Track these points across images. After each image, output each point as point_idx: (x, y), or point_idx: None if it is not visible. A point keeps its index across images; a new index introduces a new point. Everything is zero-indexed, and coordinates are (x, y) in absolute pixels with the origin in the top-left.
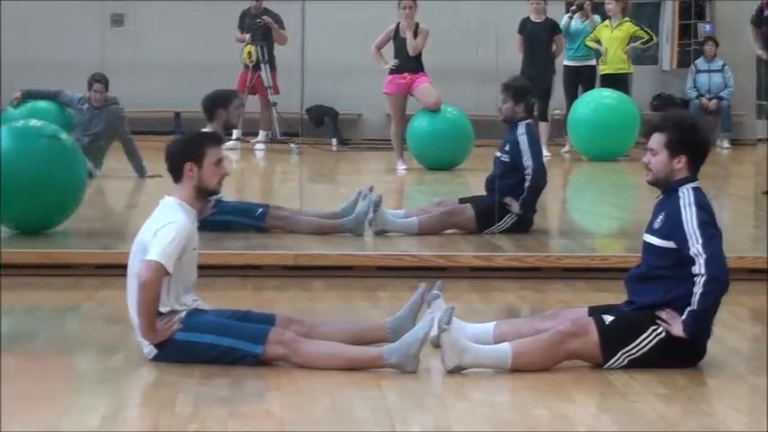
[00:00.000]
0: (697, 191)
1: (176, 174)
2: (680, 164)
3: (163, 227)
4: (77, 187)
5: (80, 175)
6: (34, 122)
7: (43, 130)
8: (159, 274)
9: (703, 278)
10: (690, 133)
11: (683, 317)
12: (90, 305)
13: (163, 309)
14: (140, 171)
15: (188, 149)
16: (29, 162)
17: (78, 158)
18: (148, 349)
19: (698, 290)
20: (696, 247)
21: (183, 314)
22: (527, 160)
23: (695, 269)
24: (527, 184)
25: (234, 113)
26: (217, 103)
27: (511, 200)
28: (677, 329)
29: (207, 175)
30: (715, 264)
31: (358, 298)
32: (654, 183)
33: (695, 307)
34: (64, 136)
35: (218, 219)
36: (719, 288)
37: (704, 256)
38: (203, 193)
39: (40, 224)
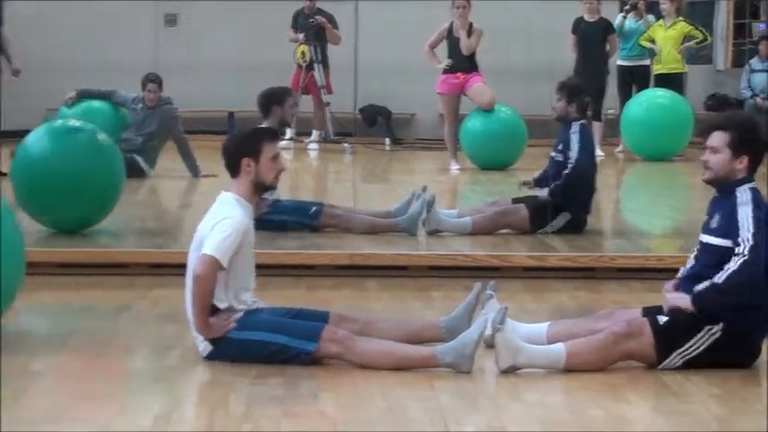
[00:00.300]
0: (755, 191)
1: (233, 169)
2: (741, 164)
3: (219, 222)
4: (115, 186)
5: (117, 175)
6: (73, 122)
7: (81, 130)
8: (213, 268)
9: (742, 258)
10: (753, 134)
11: (701, 287)
12: (144, 304)
13: (220, 305)
14: (194, 170)
15: (245, 145)
16: (67, 161)
17: (116, 158)
18: (203, 346)
19: (731, 266)
20: (746, 234)
21: (240, 313)
22: (573, 153)
23: (737, 250)
24: (558, 182)
25: (289, 111)
26: (272, 99)
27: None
28: (684, 302)
29: (264, 170)
30: (758, 253)
31: (411, 298)
32: (711, 181)
33: (719, 281)
34: (102, 136)
35: (272, 218)
36: (752, 274)
37: (751, 242)
38: (260, 188)
39: (78, 223)
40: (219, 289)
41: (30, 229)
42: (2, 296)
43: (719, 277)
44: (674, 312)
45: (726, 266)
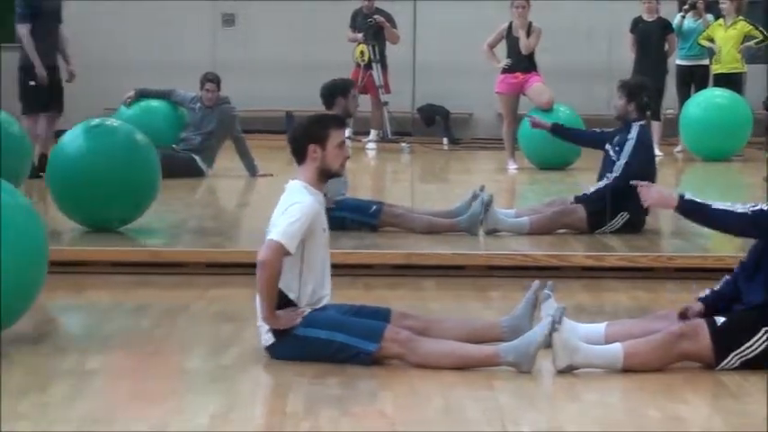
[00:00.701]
0: None
1: (300, 156)
2: None
3: (288, 207)
4: (151, 185)
5: (153, 173)
6: (110, 121)
7: (117, 129)
8: (279, 254)
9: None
10: None
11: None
12: (200, 304)
13: (290, 294)
14: (252, 170)
15: (312, 131)
16: (102, 160)
17: (152, 156)
18: (267, 337)
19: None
20: None
21: (307, 310)
22: (621, 159)
23: None
24: (607, 181)
25: (352, 102)
26: (336, 91)
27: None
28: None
29: (330, 157)
30: None
31: (469, 297)
32: None
33: (719, 207)
34: (138, 135)
35: (333, 215)
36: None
37: None
38: (326, 175)
39: (113, 222)
40: (292, 278)
41: (76, 227)
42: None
43: (727, 206)
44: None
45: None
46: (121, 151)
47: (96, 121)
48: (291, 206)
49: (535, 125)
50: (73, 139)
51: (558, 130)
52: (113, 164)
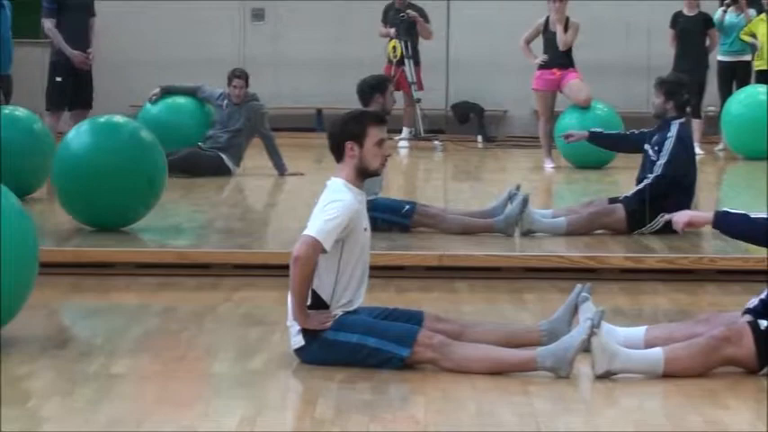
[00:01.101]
0: None
1: (337, 153)
2: None
3: (327, 204)
4: (156, 184)
5: (159, 172)
6: (117, 118)
7: (123, 126)
8: (314, 250)
9: None
10: None
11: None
12: (228, 306)
13: (323, 294)
14: (281, 169)
15: (349, 128)
16: (106, 158)
17: (158, 155)
18: (297, 339)
19: None
20: None
21: (339, 312)
22: (660, 158)
23: None
24: (647, 181)
25: (389, 99)
26: (375, 87)
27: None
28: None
29: (368, 156)
30: None
31: (504, 300)
32: None
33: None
34: (144, 132)
35: None
36: None
37: None
38: (364, 174)
39: (117, 221)
40: (327, 278)
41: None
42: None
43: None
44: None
45: None
46: (126, 149)
47: (102, 117)
48: (331, 203)
49: (571, 139)
50: (76, 136)
51: (595, 138)
52: (117, 161)
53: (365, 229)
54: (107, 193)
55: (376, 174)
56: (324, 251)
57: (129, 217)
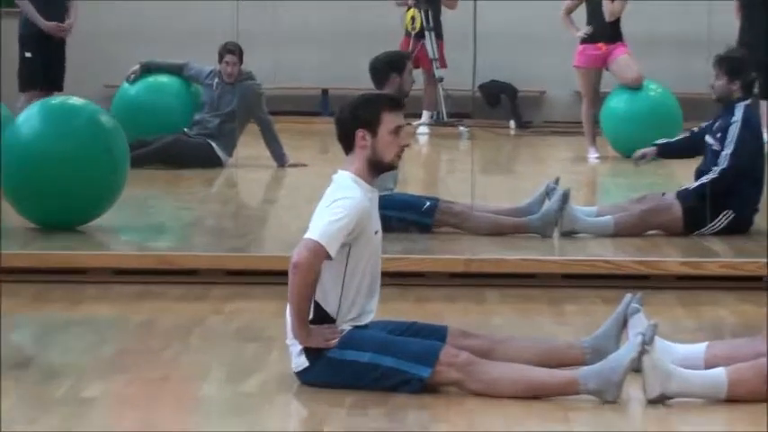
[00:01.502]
0: None
1: (347, 142)
2: None
3: (332, 203)
4: (117, 177)
5: (120, 164)
6: (73, 101)
7: (80, 110)
8: (317, 256)
9: None
10: None
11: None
12: (218, 319)
13: (327, 308)
14: (280, 159)
15: (361, 113)
16: (59, 146)
17: (120, 143)
18: (299, 361)
19: None
20: None
21: (346, 328)
22: (725, 148)
23: None
24: (711, 175)
25: (407, 79)
26: (392, 66)
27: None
28: None
29: (382, 146)
30: None
31: (541, 312)
32: None
33: None
34: (105, 117)
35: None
36: None
37: None
38: (378, 168)
39: (71, 218)
40: (332, 289)
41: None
42: None
43: None
44: None
45: None
46: (82, 136)
47: (56, 99)
48: (336, 201)
49: (644, 160)
50: (25, 121)
51: (666, 151)
52: (72, 150)
53: (376, 233)
54: (58, 188)
55: (391, 167)
56: (328, 257)
57: (82, 215)
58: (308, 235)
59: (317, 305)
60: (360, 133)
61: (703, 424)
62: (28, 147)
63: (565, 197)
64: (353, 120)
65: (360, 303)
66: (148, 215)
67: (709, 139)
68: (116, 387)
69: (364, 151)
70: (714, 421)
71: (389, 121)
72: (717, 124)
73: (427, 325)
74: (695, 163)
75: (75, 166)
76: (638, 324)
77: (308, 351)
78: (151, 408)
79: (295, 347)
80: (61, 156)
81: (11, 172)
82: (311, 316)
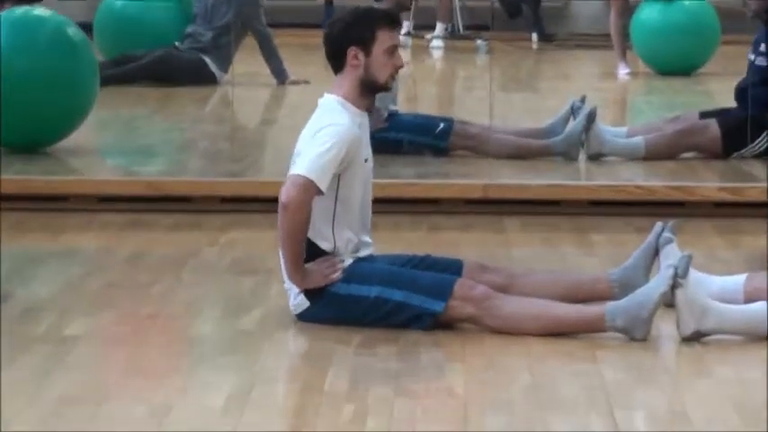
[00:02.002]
0: None
1: (337, 61)
2: None
3: (318, 131)
4: (84, 96)
5: (89, 81)
6: (38, 11)
7: (46, 21)
8: (307, 193)
9: None
10: None
11: None
12: (213, 251)
13: (323, 244)
14: (280, 75)
15: (353, 30)
16: (24, 61)
17: (89, 59)
18: (297, 301)
19: None
20: None
21: (348, 261)
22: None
23: None
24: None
25: None
26: None
27: None
28: None
29: (376, 65)
30: None
31: (566, 242)
32: None
33: None
34: (72, 30)
35: (387, 136)
36: None
37: None
38: (370, 89)
39: (32, 141)
40: (324, 223)
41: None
42: None
43: None
44: None
45: None
46: (48, 49)
47: (21, 9)
48: (323, 130)
49: None
50: None
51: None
52: (36, 65)
53: (366, 161)
54: (19, 105)
55: (384, 88)
56: (319, 192)
57: (46, 135)
58: (294, 170)
59: (310, 243)
60: (352, 51)
61: (742, 364)
62: None
63: (591, 116)
64: (345, 37)
65: (354, 236)
66: (136, 137)
67: (750, 55)
68: (101, 325)
69: (356, 71)
70: (754, 361)
71: (385, 39)
72: (756, 37)
73: (441, 258)
74: (735, 80)
75: (36, 83)
76: (671, 255)
77: (307, 290)
78: (139, 348)
79: (293, 289)
80: (22, 71)
81: None
82: (305, 256)
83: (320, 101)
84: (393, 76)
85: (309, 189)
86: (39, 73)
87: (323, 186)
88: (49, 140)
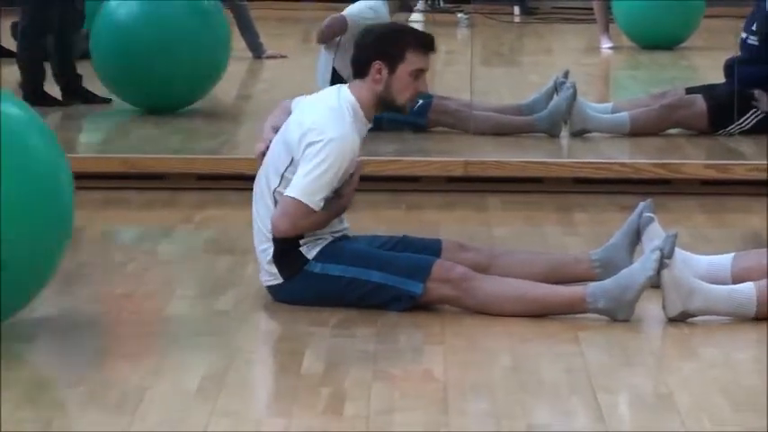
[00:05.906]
0: None
1: (359, 68)
2: None
3: (317, 142)
4: (218, 59)
5: (222, 44)
6: None
7: None
8: (303, 216)
9: None
10: None
11: None
12: (188, 228)
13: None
14: (256, 49)
15: (383, 44)
16: (159, 28)
17: (221, 23)
18: (268, 271)
19: None
20: None
21: (326, 239)
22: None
23: None
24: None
25: None
26: None
27: (761, 93)
28: None
29: (398, 85)
30: None
31: (548, 221)
32: None
33: None
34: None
35: None
36: None
37: None
38: (385, 106)
39: (172, 103)
40: None
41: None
42: None
43: None
44: None
45: None
46: (185, 14)
47: None
48: (324, 143)
49: None
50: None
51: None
52: (174, 31)
53: (351, 160)
54: (157, 71)
55: (400, 110)
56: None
57: (185, 98)
58: (288, 192)
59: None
60: (377, 65)
61: (729, 346)
62: (121, 29)
63: (574, 92)
64: (374, 48)
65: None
66: (109, 114)
67: (743, 33)
68: (74, 305)
69: (376, 85)
70: (741, 342)
71: (414, 60)
72: (750, 16)
73: (419, 239)
74: (724, 55)
75: (175, 48)
76: (654, 235)
77: (282, 264)
78: (112, 328)
79: (264, 255)
80: (156, 38)
81: (105, 54)
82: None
83: (338, 89)
84: (412, 100)
85: (306, 213)
86: (176, 37)
87: (316, 206)
88: (182, 104)
